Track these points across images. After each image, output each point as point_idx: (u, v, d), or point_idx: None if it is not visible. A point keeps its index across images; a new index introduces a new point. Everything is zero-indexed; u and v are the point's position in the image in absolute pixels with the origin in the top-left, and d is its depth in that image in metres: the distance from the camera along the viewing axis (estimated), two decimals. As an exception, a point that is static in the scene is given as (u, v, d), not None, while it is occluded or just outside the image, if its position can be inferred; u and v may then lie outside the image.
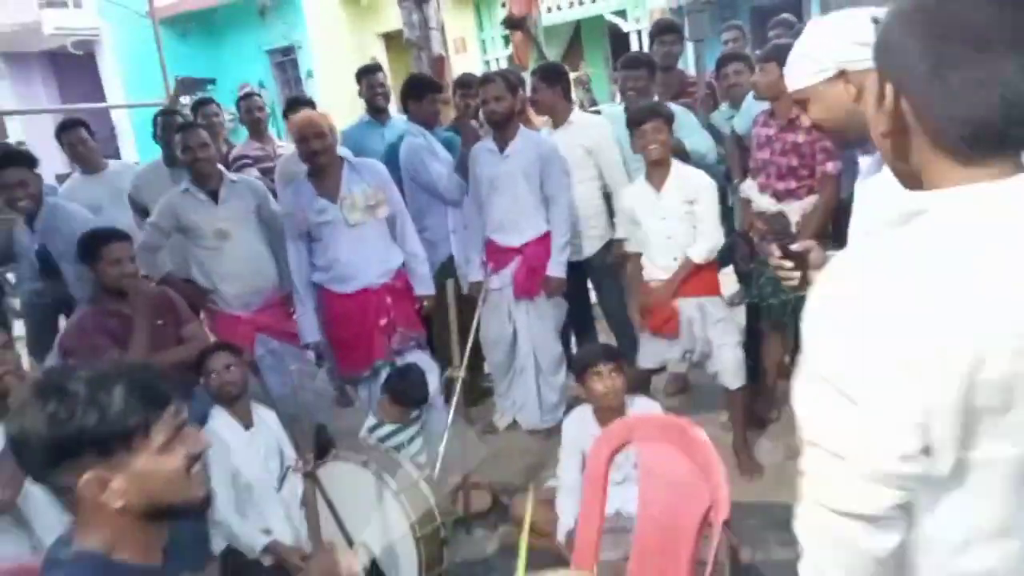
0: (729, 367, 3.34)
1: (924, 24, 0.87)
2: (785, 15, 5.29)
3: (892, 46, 0.91)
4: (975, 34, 0.83)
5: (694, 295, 3.34)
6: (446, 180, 4.01)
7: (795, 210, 3.32)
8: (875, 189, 1.60)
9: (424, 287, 3.73)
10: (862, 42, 1.55)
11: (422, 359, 3.62)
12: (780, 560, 2.80)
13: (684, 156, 3.63)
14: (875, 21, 1.57)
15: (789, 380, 3.66)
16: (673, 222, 3.33)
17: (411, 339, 3.66)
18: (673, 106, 3.66)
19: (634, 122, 3.30)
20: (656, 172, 3.36)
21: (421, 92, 4.25)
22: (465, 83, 4.51)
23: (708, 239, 3.31)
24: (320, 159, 3.50)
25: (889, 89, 0.92)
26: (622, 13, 14.69)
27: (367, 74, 4.61)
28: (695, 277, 3.34)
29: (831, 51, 1.63)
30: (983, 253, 0.84)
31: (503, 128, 3.77)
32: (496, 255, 3.87)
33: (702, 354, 3.40)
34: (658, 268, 3.40)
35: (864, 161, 1.77)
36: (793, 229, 3.26)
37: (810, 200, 3.26)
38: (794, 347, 3.47)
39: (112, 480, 1.13)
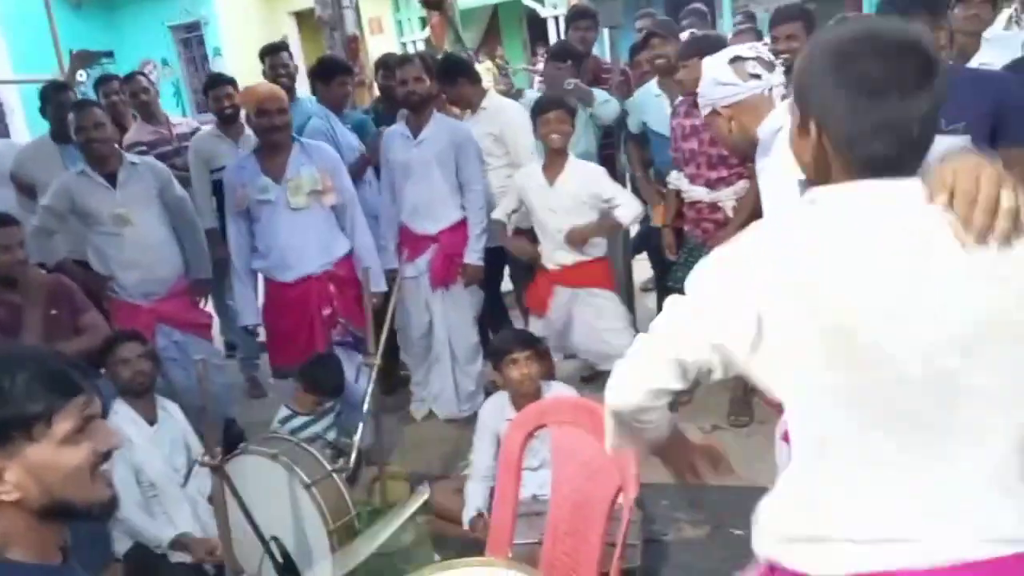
0: (619, 349, 3.43)
1: (837, 71, 1.08)
2: (697, 5, 5.39)
3: (814, 91, 1.11)
4: (876, 86, 1.05)
5: (573, 285, 3.47)
6: None
7: (728, 195, 3.40)
8: (764, 185, 1.97)
9: (375, 283, 3.49)
10: (724, 81, 1.90)
11: (349, 351, 3.53)
12: (691, 538, 2.89)
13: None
14: (733, 61, 1.81)
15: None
16: (563, 216, 3.42)
17: (353, 334, 3.54)
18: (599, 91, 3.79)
19: (540, 110, 3.35)
20: (553, 163, 3.43)
21: (330, 74, 4.15)
22: (387, 64, 4.42)
23: (631, 206, 3.45)
24: (276, 136, 3.35)
25: (813, 125, 1.12)
26: (539, -2, 14.70)
27: (271, 53, 4.48)
28: (577, 269, 3.42)
29: (705, 91, 1.96)
30: (839, 230, 1.08)
31: (419, 111, 3.71)
32: (411, 242, 3.82)
33: (573, 342, 3.60)
34: (551, 260, 3.50)
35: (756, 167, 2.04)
36: (730, 214, 3.38)
37: (742, 184, 3.33)
38: None
39: (7, 470, 1.06)
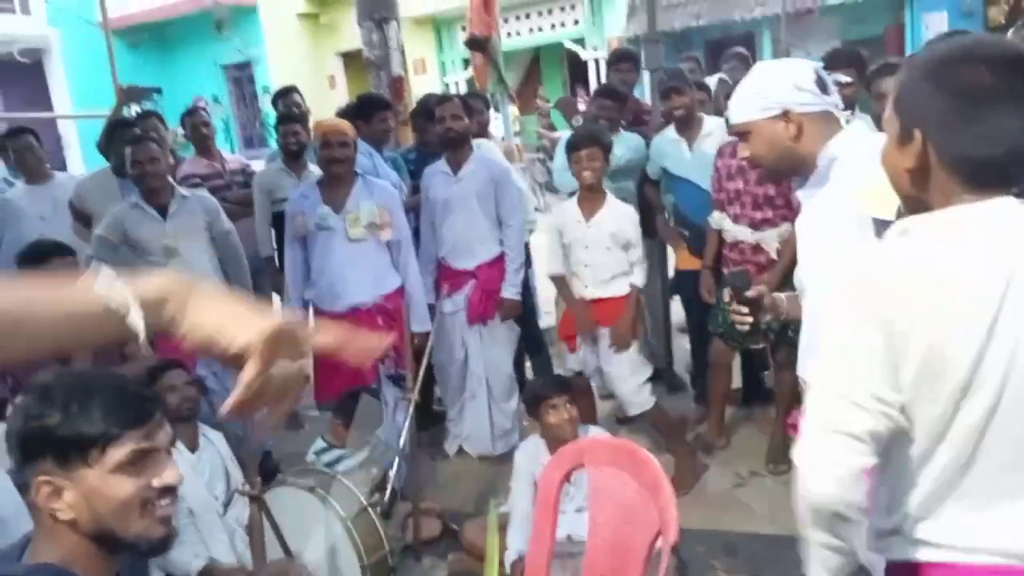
0: (624, 396, 3.49)
1: (947, 83, 1.10)
2: (739, 48, 5.44)
3: (919, 98, 1.14)
4: (987, 96, 1.08)
5: (599, 321, 3.46)
6: None
7: (772, 236, 3.39)
8: (812, 216, 1.85)
9: (420, 323, 3.60)
10: (804, 88, 1.78)
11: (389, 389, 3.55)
12: (728, 587, 2.82)
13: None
14: (818, 74, 1.73)
15: (738, 407, 3.74)
16: (596, 253, 3.43)
17: (401, 371, 3.53)
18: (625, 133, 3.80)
19: (572, 147, 3.39)
20: (588, 200, 3.44)
21: (370, 111, 4.24)
22: (426, 106, 4.54)
23: (642, 265, 3.49)
24: (338, 168, 3.45)
25: (918, 134, 1.14)
26: (580, 41, 14.92)
27: (283, 96, 4.87)
28: (600, 306, 3.43)
29: (777, 92, 1.81)
30: (940, 261, 1.10)
31: (458, 149, 3.78)
32: (450, 278, 3.86)
33: (598, 380, 3.59)
34: (582, 288, 3.51)
35: (800, 194, 1.95)
36: (774, 256, 3.38)
37: (786, 226, 3.32)
38: (785, 368, 3.49)
39: (66, 490, 1.09)
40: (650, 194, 4.14)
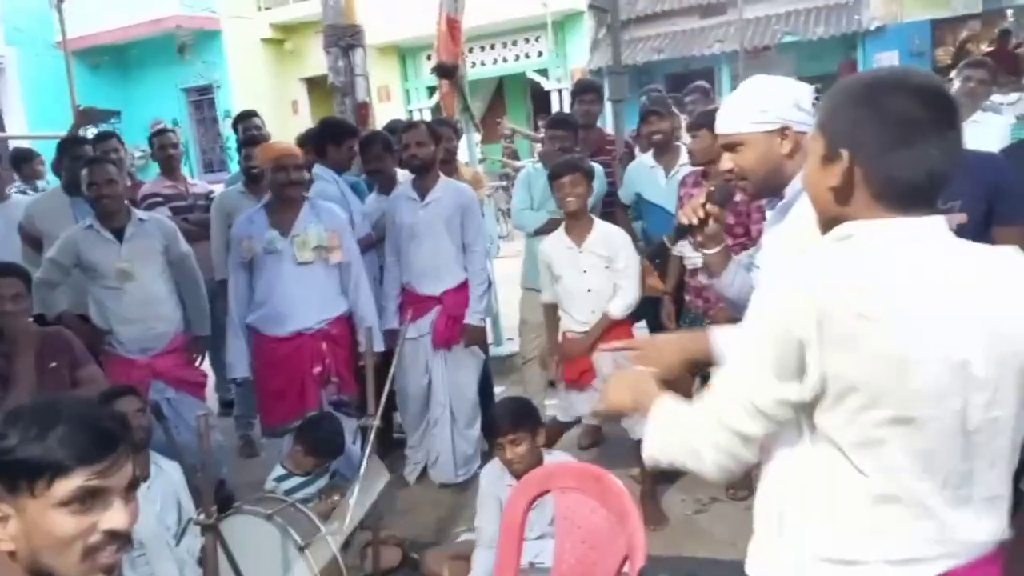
0: (634, 422, 3.38)
1: (879, 110, 1.15)
2: (700, 82, 5.56)
3: (851, 121, 1.18)
4: (915, 123, 1.13)
5: (609, 345, 3.39)
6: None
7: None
8: (781, 235, 1.82)
9: (375, 344, 3.57)
10: (804, 108, 1.76)
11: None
12: (690, 614, 2.82)
13: None
14: (817, 94, 1.73)
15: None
16: (593, 277, 3.39)
17: (344, 397, 3.51)
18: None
19: (554, 175, 3.39)
20: (576, 226, 3.43)
21: (342, 137, 4.22)
22: (393, 131, 4.53)
23: (627, 295, 3.40)
24: (293, 192, 3.42)
25: (845, 154, 1.18)
26: (544, 72, 15.12)
27: (243, 119, 4.90)
28: (614, 331, 3.39)
29: (778, 107, 1.76)
30: (892, 262, 1.13)
31: (424, 175, 3.78)
32: (415, 304, 3.83)
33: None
34: (576, 322, 3.44)
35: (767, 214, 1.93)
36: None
37: (745, 256, 3.35)
38: None
39: (10, 519, 1.03)
40: (620, 219, 4.18)
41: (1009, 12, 11.71)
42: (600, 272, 3.39)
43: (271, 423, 3.57)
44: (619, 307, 3.38)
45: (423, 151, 3.74)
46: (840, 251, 1.17)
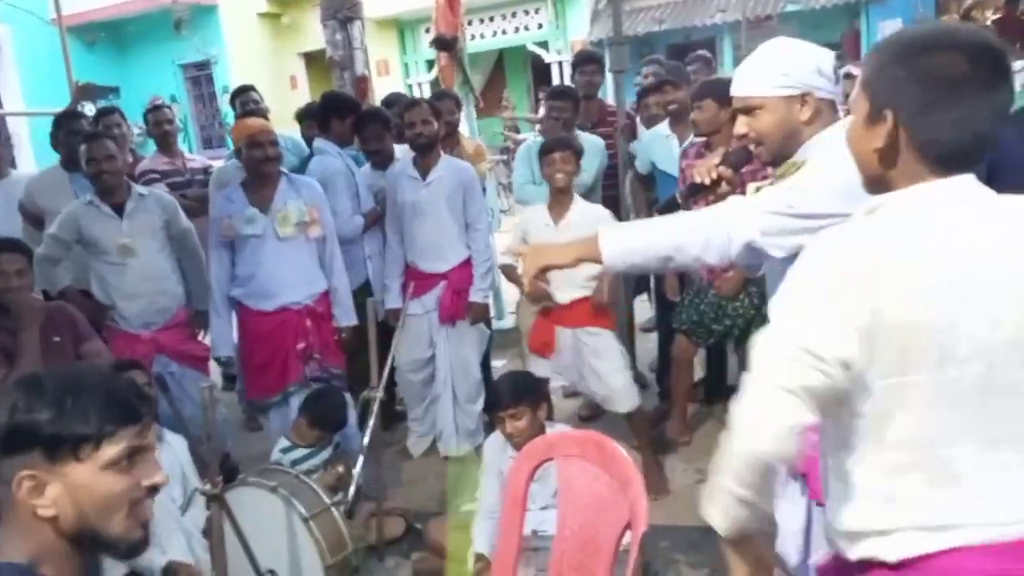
0: (618, 390, 3.42)
1: (921, 69, 1.13)
2: (702, 52, 5.52)
3: (893, 81, 1.16)
4: (959, 82, 1.11)
5: (572, 325, 3.44)
6: (348, 217, 3.90)
7: None
8: None
9: (347, 316, 3.61)
10: (825, 74, 1.73)
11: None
12: (691, 581, 2.85)
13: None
14: (839, 60, 1.72)
15: (700, 404, 3.79)
16: None
17: (328, 370, 3.55)
18: (581, 134, 3.80)
19: (546, 150, 3.39)
20: (558, 203, 3.44)
21: (346, 111, 4.18)
22: (393, 104, 4.52)
23: None
24: (270, 167, 3.42)
25: (889, 114, 1.16)
26: (544, 44, 14.98)
27: (240, 94, 4.79)
28: (575, 307, 3.42)
29: (801, 72, 1.71)
30: (916, 230, 1.13)
31: (427, 154, 3.77)
32: (419, 281, 3.83)
33: (582, 383, 3.52)
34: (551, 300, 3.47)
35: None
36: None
37: None
38: (740, 366, 3.59)
39: (49, 485, 1.07)
40: (638, 189, 4.17)
41: (1015, -21, 11.56)
42: None
43: (253, 396, 3.61)
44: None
45: (427, 129, 3.71)
46: (866, 224, 1.17)
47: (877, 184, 1.22)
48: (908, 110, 1.14)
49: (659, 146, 4.01)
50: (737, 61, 10.57)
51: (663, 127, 4.04)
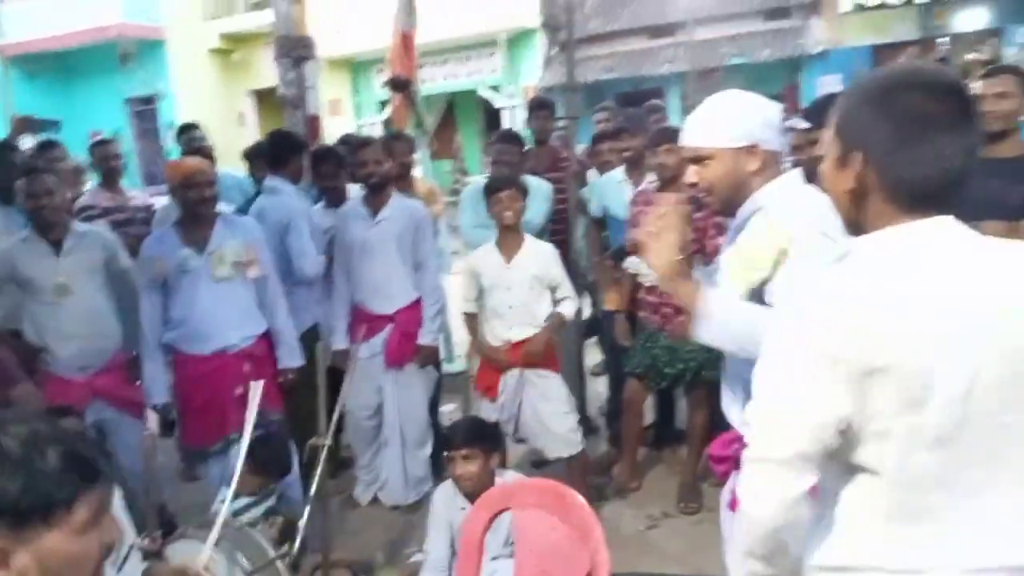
0: (559, 434, 3.44)
1: (889, 108, 1.14)
2: (656, 101, 5.67)
3: (861, 121, 1.17)
4: (924, 119, 1.11)
5: (520, 365, 3.44)
6: (315, 256, 3.82)
7: None
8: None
9: (291, 357, 3.51)
10: (773, 126, 1.78)
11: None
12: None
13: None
14: (785, 112, 1.77)
15: (649, 449, 3.76)
16: (517, 293, 3.43)
17: (266, 416, 3.43)
18: (529, 179, 3.83)
19: (492, 189, 3.41)
20: (508, 241, 3.46)
21: (298, 149, 4.13)
22: (347, 144, 4.49)
23: (573, 300, 3.52)
24: (204, 208, 3.31)
25: (858, 155, 1.17)
26: (496, 89, 15.18)
27: (185, 131, 4.84)
28: (521, 349, 3.42)
29: (749, 124, 1.76)
30: (892, 275, 1.12)
31: (378, 192, 3.74)
32: (367, 322, 3.76)
33: (522, 425, 3.51)
34: (494, 337, 3.48)
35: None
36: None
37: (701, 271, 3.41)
38: (698, 408, 3.61)
39: (14, 555, 0.98)
40: (592, 232, 4.21)
41: (944, 39, 12.22)
42: (524, 290, 3.43)
43: (191, 443, 3.48)
44: (569, 308, 3.50)
45: (379, 168, 3.70)
46: (840, 273, 1.16)
47: (855, 226, 1.23)
48: (876, 150, 1.15)
49: (613, 191, 4.07)
50: (684, 110, 10.88)
51: (617, 173, 4.11)
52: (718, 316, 1.65)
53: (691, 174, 1.83)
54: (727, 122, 1.77)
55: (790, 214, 1.67)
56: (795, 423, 1.12)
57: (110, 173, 4.64)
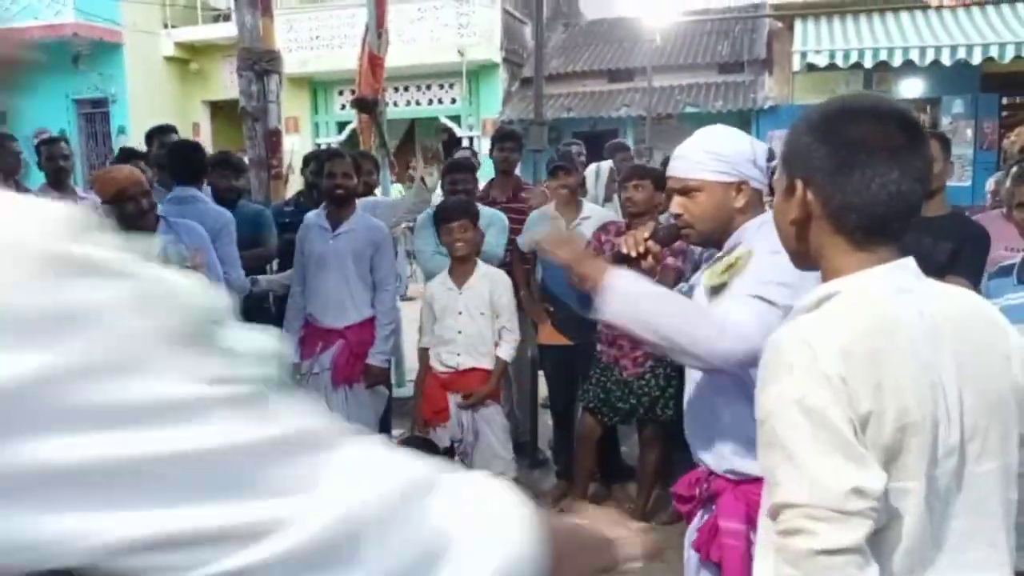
0: (497, 446, 3.45)
1: (829, 135, 1.12)
2: (619, 140, 5.79)
3: (803, 150, 1.15)
4: (867, 145, 1.09)
5: (463, 390, 3.44)
6: (239, 266, 3.69)
7: None
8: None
9: None
10: (761, 167, 1.80)
11: None
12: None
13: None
14: (771, 155, 1.79)
15: (598, 484, 3.74)
16: (467, 320, 3.42)
17: None
18: (485, 209, 3.83)
19: (444, 219, 3.39)
20: (459, 269, 3.46)
21: (203, 157, 4.05)
22: (316, 159, 4.46)
23: (512, 334, 3.49)
24: (144, 221, 3.16)
25: (799, 184, 1.15)
26: (456, 119, 15.27)
27: (160, 134, 4.71)
28: (468, 375, 3.43)
29: (741, 161, 1.78)
30: (883, 323, 1.07)
31: (343, 206, 3.70)
32: (319, 336, 3.70)
33: (467, 444, 3.49)
34: (441, 364, 3.46)
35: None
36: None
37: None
38: (650, 445, 3.63)
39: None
40: (517, 268, 4.20)
41: (885, 103, 12.83)
42: (475, 318, 3.42)
43: None
44: (507, 351, 3.47)
45: (347, 182, 3.67)
46: (825, 313, 1.09)
47: (802, 258, 1.21)
48: (817, 177, 1.12)
49: (545, 226, 4.06)
50: (638, 153, 11.12)
51: (550, 208, 4.13)
52: (628, 289, 1.58)
53: (676, 205, 1.83)
54: (715, 156, 1.78)
55: (761, 241, 1.68)
56: (850, 505, 0.97)
57: (58, 173, 4.48)
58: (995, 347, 1.12)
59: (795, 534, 0.99)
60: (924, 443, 1.03)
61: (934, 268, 2.84)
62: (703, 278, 1.82)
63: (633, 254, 1.85)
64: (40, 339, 0.43)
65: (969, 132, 12.16)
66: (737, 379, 1.64)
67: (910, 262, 1.13)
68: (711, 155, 1.79)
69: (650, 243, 1.86)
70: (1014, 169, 2.76)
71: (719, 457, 1.78)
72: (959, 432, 1.06)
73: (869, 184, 1.08)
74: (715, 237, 1.85)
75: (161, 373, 0.47)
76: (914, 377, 1.04)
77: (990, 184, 4.56)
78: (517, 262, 4.20)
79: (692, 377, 1.88)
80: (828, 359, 1.02)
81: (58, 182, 4.49)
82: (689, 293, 1.98)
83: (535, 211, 4.24)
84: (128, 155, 4.35)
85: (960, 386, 1.07)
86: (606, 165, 4.89)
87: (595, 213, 4.00)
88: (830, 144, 1.11)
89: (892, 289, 1.10)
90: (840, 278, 1.12)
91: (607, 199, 4.41)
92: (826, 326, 1.07)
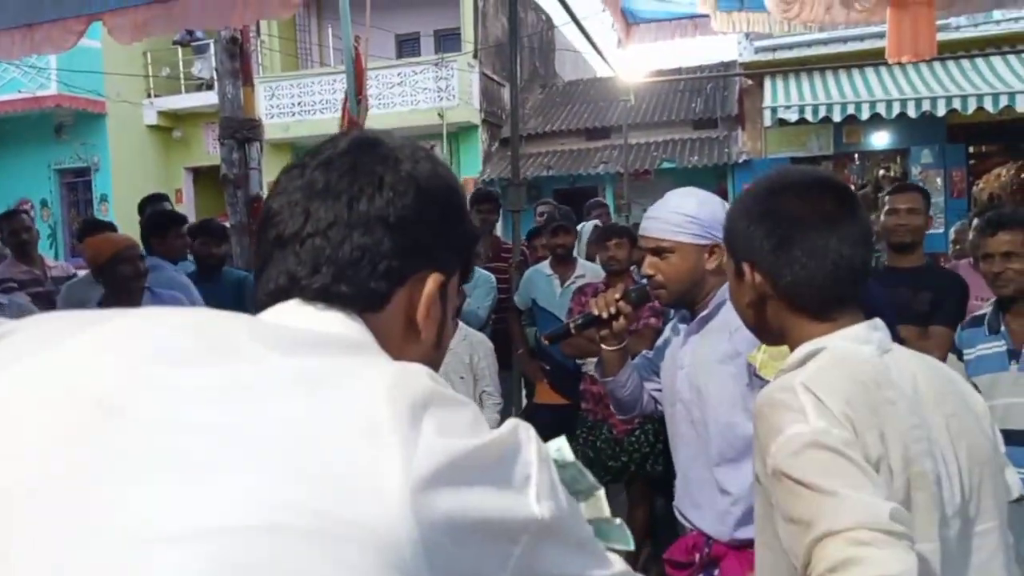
0: None
1: (763, 216, 1.13)
2: (598, 198, 5.88)
3: (742, 234, 1.16)
4: (800, 219, 1.10)
5: None
6: None
7: None
8: (698, 351, 1.84)
9: None
10: None
11: None
12: None
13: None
14: None
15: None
16: (450, 382, 3.37)
17: None
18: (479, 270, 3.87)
19: None
20: None
21: (166, 227, 4.12)
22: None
23: (495, 398, 3.41)
24: (137, 284, 3.19)
25: (747, 267, 1.15)
26: (436, 179, 15.39)
27: (154, 203, 4.87)
28: None
29: (713, 225, 1.78)
30: (873, 374, 1.04)
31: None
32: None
33: None
34: None
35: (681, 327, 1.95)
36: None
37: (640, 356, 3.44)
38: (638, 504, 3.63)
39: None
40: (514, 326, 4.21)
41: (856, 155, 13.14)
42: (455, 383, 3.37)
43: None
44: (491, 417, 3.33)
45: None
46: (817, 367, 1.06)
47: (766, 334, 1.21)
48: (761, 258, 1.12)
49: (541, 284, 4.13)
50: (618, 208, 11.27)
51: (545, 266, 4.18)
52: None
53: (648, 266, 1.84)
54: (690, 219, 1.80)
55: None
56: (891, 526, 0.89)
57: (23, 247, 4.46)
58: (970, 406, 1.12)
59: (844, 568, 0.86)
60: (931, 500, 1.00)
61: (915, 318, 2.89)
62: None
63: (604, 315, 1.86)
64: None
65: (939, 180, 12.45)
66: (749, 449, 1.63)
67: (879, 322, 1.12)
68: (685, 217, 1.81)
69: (621, 304, 1.87)
70: (975, 221, 2.82)
71: (722, 526, 1.77)
72: (960, 490, 1.04)
73: (811, 256, 1.08)
74: (687, 298, 1.87)
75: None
76: (913, 430, 1.02)
77: (952, 234, 4.66)
78: (514, 320, 4.21)
79: (683, 445, 1.87)
80: (834, 403, 0.99)
81: (23, 254, 4.49)
82: (662, 350, 2.00)
83: (532, 268, 4.30)
84: (94, 226, 4.33)
85: (954, 444, 1.06)
86: (589, 224, 4.97)
87: (589, 271, 4.05)
88: (765, 224, 1.12)
89: (875, 346, 1.09)
90: (821, 337, 1.10)
91: (589, 257, 4.47)
92: (823, 377, 1.04)
